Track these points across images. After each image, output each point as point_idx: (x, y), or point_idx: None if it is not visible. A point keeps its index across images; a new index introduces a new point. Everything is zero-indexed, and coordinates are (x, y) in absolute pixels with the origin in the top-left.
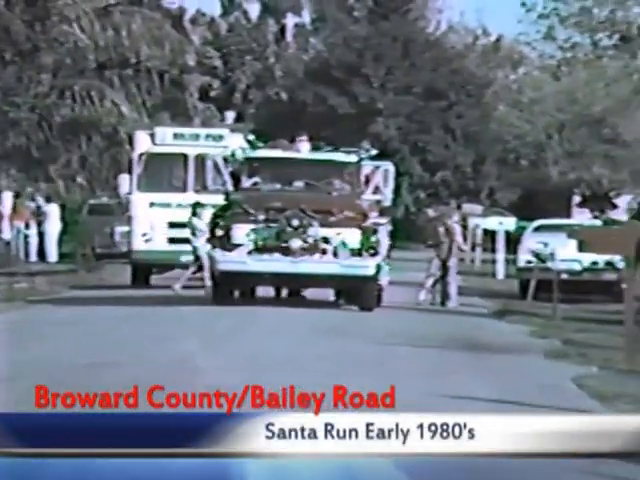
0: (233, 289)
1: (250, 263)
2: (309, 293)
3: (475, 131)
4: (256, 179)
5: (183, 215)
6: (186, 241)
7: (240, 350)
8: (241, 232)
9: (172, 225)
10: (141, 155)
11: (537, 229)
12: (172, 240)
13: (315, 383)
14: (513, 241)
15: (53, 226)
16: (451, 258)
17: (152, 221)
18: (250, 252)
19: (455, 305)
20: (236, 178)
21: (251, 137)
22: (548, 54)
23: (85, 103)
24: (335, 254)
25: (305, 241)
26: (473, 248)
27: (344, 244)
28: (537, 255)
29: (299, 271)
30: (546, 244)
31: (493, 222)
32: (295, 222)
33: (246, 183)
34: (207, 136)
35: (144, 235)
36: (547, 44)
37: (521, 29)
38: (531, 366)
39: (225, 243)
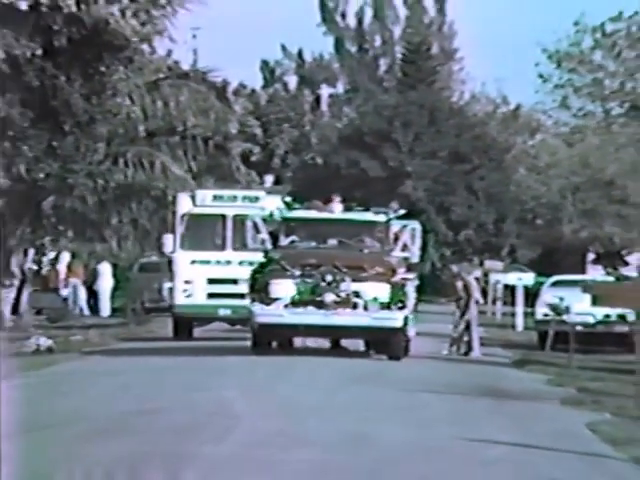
0: (271, 340)
1: (287, 316)
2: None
3: (496, 192)
4: (293, 237)
5: (222, 272)
6: (224, 296)
7: (277, 398)
8: (279, 287)
9: (211, 281)
10: (183, 216)
11: (554, 284)
12: (211, 295)
13: (348, 427)
14: (532, 295)
15: (106, 283)
16: (470, 311)
17: (193, 277)
18: (287, 305)
19: (478, 355)
20: (274, 237)
21: (288, 199)
22: (563, 122)
23: (136, 169)
24: (366, 307)
25: (338, 295)
26: (494, 302)
27: (374, 298)
28: (554, 308)
29: (332, 323)
30: (562, 298)
31: (513, 278)
32: (329, 277)
33: (283, 241)
34: (244, 198)
35: (185, 291)
36: (562, 112)
37: (538, 98)
38: (548, 412)
39: (264, 297)
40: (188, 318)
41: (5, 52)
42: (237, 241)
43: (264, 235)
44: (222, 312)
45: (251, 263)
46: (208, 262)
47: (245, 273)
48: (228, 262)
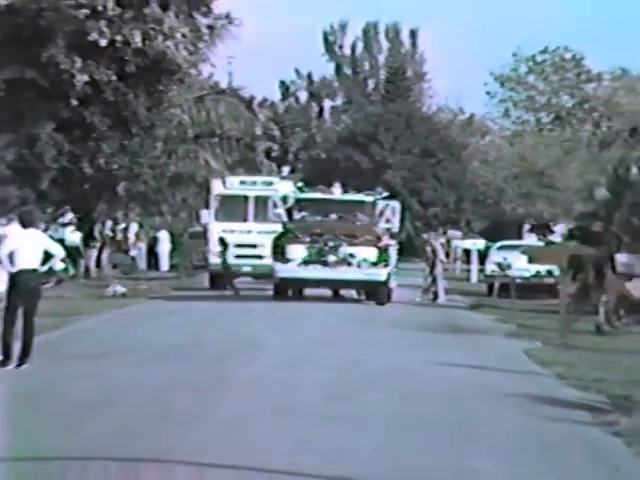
0: (288, 290)
1: (300, 272)
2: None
3: (456, 180)
4: (304, 213)
5: (245, 238)
6: (246, 257)
7: (293, 332)
8: (294, 250)
9: (237, 245)
10: (216, 196)
11: (499, 248)
12: (237, 256)
13: (346, 354)
14: (482, 256)
15: (164, 246)
16: (436, 268)
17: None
18: (300, 264)
19: (443, 301)
20: (289, 213)
21: (300, 184)
22: (505, 127)
23: (185, 162)
24: (358, 265)
25: (337, 256)
26: (455, 261)
27: (365, 258)
28: (499, 266)
29: (334, 277)
30: (506, 258)
31: (469, 243)
32: (331, 243)
33: (297, 216)
34: (262, 182)
35: (217, 253)
36: (505, 120)
37: (487, 110)
38: (495, 342)
39: (282, 258)
40: (220, 274)
41: (89, 77)
42: (257, 215)
43: (281, 211)
44: (245, 269)
45: (267, 232)
46: (234, 231)
47: (262, 239)
48: (249, 231)
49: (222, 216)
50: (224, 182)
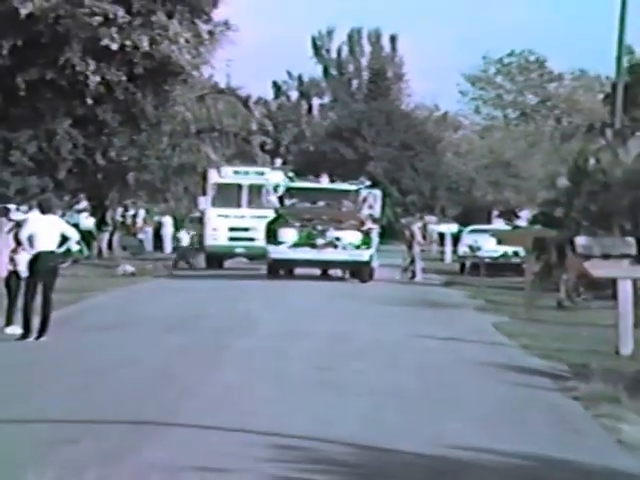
0: (280, 269)
1: (291, 253)
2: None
3: (431, 170)
4: (294, 200)
5: (238, 222)
6: (240, 239)
7: (285, 307)
8: (285, 233)
9: (231, 229)
10: (213, 184)
11: (471, 231)
12: (231, 238)
13: (333, 327)
14: (455, 239)
15: (168, 230)
16: (414, 250)
17: (219, 226)
18: (291, 246)
19: (420, 279)
20: (281, 200)
21: (291, 174)
22: (476, 122)
23: (188, 154)
24: (344, 248)
25: (325, 239)
26: (431, 243)
27: (350, 241)
28: (471, 247)
29: (321, 258)
30: (476, 240)
31: (443, 227)
32: (319, 227)
33: (288, 203)
34: (255, 172)
35: (213, 235)
36: (475, 116)
37: (459, 107)
38: (466, 316)
39: (275, 241)
40: (216, 254)
41: (102, 78)
42: (250, 202)
43: (274, 198)
44: (238, 250)
45: (259, 217)
46: (228, 216)
47: (254, 224)
48: (242, 216)
49: (218, 202)
50: (219, 172)
